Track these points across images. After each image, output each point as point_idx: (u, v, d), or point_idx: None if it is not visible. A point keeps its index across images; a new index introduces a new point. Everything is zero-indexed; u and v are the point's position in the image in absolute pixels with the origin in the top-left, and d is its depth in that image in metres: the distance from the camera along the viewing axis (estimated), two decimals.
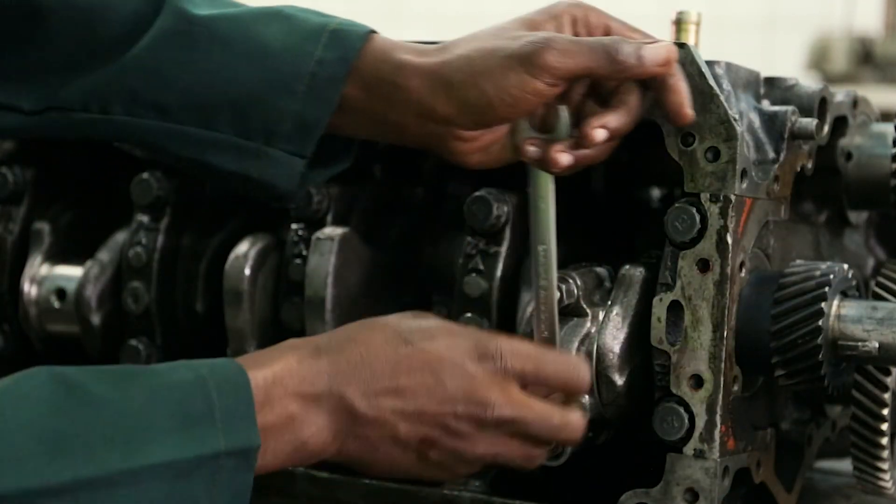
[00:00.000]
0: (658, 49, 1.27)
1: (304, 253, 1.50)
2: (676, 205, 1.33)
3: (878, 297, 1.40)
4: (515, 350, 1.23)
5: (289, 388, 1.16)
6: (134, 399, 1.06)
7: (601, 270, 1.39)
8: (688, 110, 1.29)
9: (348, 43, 1.31)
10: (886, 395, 1.38)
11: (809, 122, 1.40)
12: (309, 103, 1.31)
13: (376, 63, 1.31)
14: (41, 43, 1.33)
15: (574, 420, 1.25)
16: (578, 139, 1.30)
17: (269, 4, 1.39)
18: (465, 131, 1.31)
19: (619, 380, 1.35)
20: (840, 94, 1.53)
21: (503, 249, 1.44)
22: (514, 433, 1.22)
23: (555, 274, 1.33)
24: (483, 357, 1.21)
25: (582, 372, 1.27)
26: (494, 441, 1.22)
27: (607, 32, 1.33)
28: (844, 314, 1.35)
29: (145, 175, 1.60)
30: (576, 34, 1.32)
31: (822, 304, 1.34)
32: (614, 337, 1.35)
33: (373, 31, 1.33)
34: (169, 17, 1.33)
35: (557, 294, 1.33)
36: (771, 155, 1.39)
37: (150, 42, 1.32)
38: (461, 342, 1.21)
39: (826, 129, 1.48)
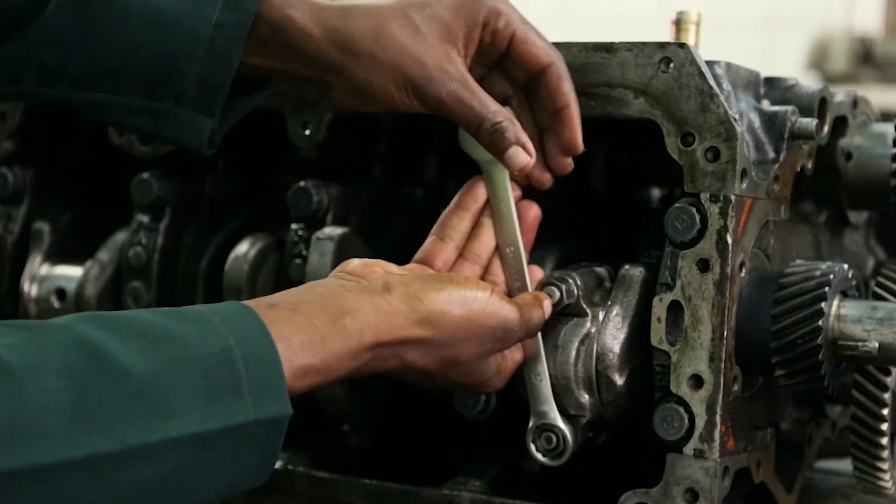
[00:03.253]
0: (519, 155, 1.33)
1: (304, 253, 1.50)
2: (676, 205, 1.33)
3: (878, 297, 1.40)
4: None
5: (317, 350, 1.17)
6: (159, 370, 1.05)
7: (601, 270, 1.39)
8: (578, 144, 1.36)
9: (243, 6, 1.34)
10: (886, 395, 1.38)
11: (809, 122, 1.40)
12: (210, 66, 1.34)
13: (273, 20, 1.34)
14: None
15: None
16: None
17: None
18: (342, 95, 1.36)
19: (619, 380, 1.35)
20: (840, 94, 1.53)
21: None
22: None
23: (527, 273, 1.35)
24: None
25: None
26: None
27: (511, 41, 1.34)
28: (844, 314, 1.35)
29: (145, 175, 1.60)
30: (482, 38, 1.34)
31: (822, 304, 1.34)
32: (614, 337, 1.35)
33: None
34: None
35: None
36: (771, 155, 1.39)
37: (51, 15, 1.35)
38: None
39: (826, 129, 1.48)
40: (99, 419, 1.00)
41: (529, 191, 1.40)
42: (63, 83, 1.37)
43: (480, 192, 1.37)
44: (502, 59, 1.36)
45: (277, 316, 1.14)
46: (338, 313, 1.17)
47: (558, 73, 1.34)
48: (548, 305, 1.32)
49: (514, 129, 1.32)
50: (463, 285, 1.25)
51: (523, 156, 1.32)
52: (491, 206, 1.36)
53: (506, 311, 1.27)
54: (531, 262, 1.39)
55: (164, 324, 1.08)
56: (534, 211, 1.38)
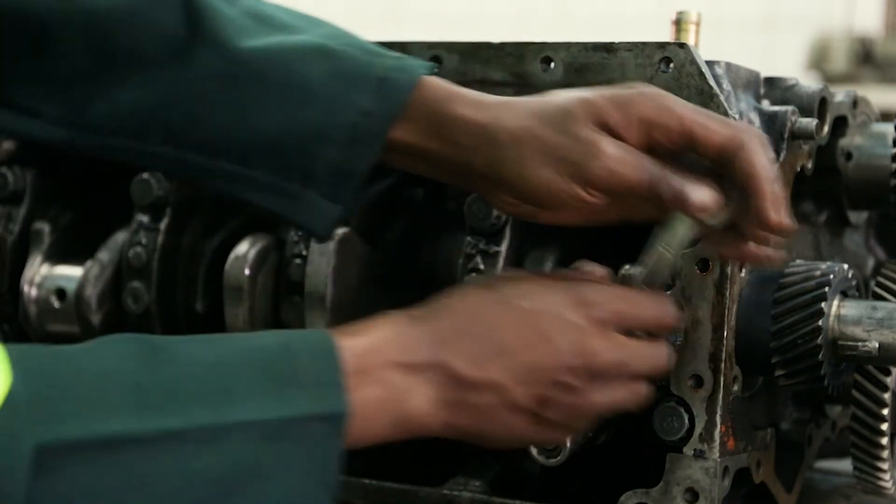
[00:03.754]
0: (701, 194, 1.20)
1: (304, 253, 1.50)
2: None
3: (878, 297, 1.40)
4: (609, 295, 1.23)
5: (387, 357, 1.14)
6: (220, 359, 1.05)
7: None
8: (774, 217, 1.20)
9: (394, 95, 1.26)
10: (886, 395, 1.38)
11: (809, 122, 1.40)
12: (348, 153, 1.26)
13: (426, 109, 1.26)
14: (54, 53, 1.29)
15: (667, 350, 1.26)
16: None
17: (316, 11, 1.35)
18: (510, 197, 1.26)
19: None
20: (840, 94, 1.53)
21: (503, 249, 1.43)
22: (620, 375, 1.21)
23: None
24: (580, 306, 1.20)
25: (671, 308, 1.27)
26: (605, 388, 1.20)
27: (682, 129, 1.21)
28: (844, 314, 1.35)
29: (145, 175, 1.60)
30: (648, 136, 1.21)
31: (822, 304, 1.34)
32: None
33: (422, 75, 1.27)
34: (209, 52, 1.27)
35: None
36: (771, 155, 1.39)
37: (190, 77, 1.27)
38: (556, 295, 1.20)
39: (826, 129, 1.48)
40: (167, 398, 1.01)
41: None
42: (190, 146, 1.29)
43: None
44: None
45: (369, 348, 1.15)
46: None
47: (746, 148, 1.20)
48: None
49: (686, 180, 1.21)
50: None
51: (706, 195, 1.20)
52: (655, 243, 1.27)
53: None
54: (531, 263, 1.39)
55: (218, 334, 1.12)
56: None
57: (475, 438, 1.21)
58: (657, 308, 1.26)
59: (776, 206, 1.20)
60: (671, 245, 1.25)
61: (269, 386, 1.06)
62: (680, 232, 1.24)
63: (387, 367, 1.14)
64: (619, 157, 1.20)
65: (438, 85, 1.27)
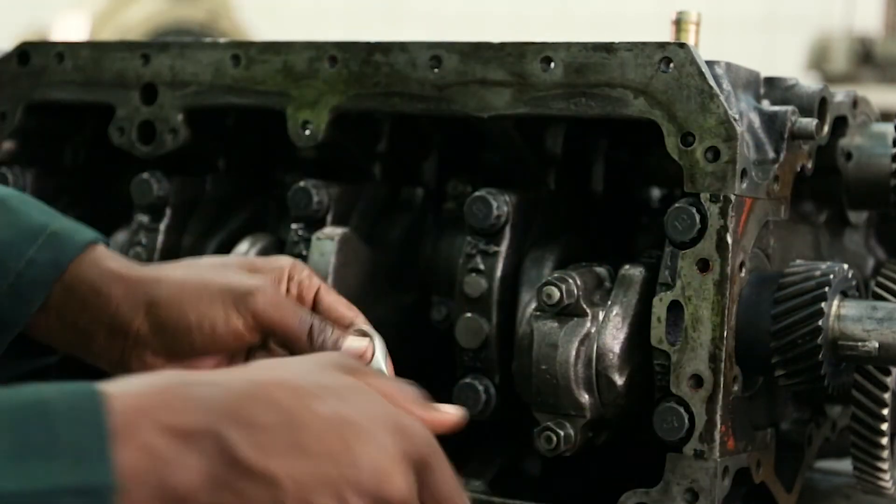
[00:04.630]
0: (355, 343, 1.27)
1: (304, 253, 1.50)
2: (676, 205, 1.33)
3: (878, 297, 1.40)
4: (428, 437, 1.08)
5: (155, 418, 0.95)
6: None
7: (601, 270, 1.39)
8: None
9: (64, 248, 1.29)
10: (886, 395, 1.38)
11: (809, 122, 1.40)
12: (10, 301, 1.28)
13: (85, 267, 1.29)
14: None
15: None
16: None
17: None
18: (154, 357, 1.27)
19: (619, 380, 1.35)
20: (840, 94, 1.53)
21: (503, 249, 1.44)
22: None
23: None
24: (398, 433, 1.04)
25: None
26: None
27: (317, 294, 1.31)
28: (844, 314, 1.35)
29: (145, 175, 1.60)
30: (289, 286, 1.31)
31: (822, 304, 1.34)
32: (614, 337, 1.35)
33: (96, 241, 1.32)
34: None
35: None
36: (771, 155, 1.39)
37: None
38: (377, 409, 1.05)
39: (826, 129, 1.48)
40: None
41: (528, 190, 1.39)
42: None
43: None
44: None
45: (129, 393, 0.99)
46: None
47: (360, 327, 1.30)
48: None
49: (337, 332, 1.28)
50: None
51: (360, 342, 1.27)
52: None
53: None
54: (531, 263, 1.38)
55: None
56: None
57: None
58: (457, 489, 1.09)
59: None
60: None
61: (14, 453, 0.91)
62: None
63: (153, 430, 0.96)
64: (281, 297, 1.28)
65: (107, 251, 1.32)
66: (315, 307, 1.31)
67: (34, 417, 0.92)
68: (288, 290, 1.31)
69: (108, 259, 1.31)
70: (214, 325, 1.26)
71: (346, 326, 1.29)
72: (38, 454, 0.91)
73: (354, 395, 1.04)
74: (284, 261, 1.33)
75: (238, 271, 1.30)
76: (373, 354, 1.27)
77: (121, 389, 0.96)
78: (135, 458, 0.94)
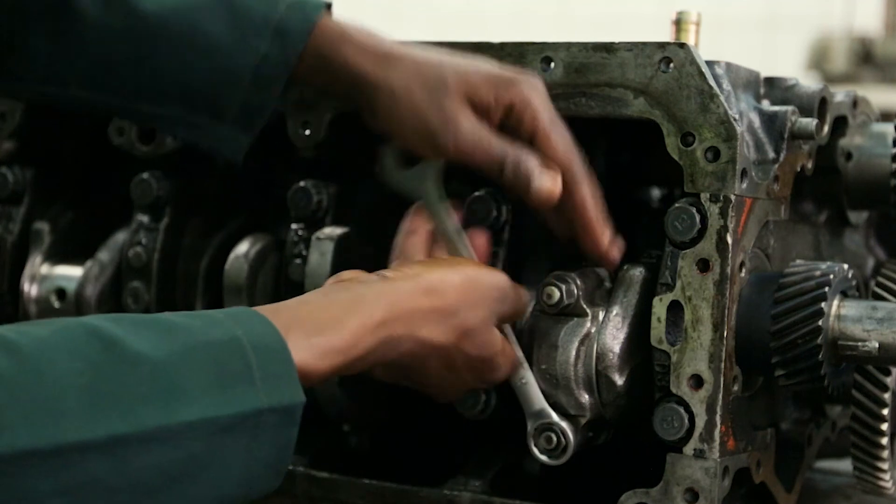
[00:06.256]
0: (543, 182, 1.34)
1: (304, 253, 1.50)
2: (676, 205, 1.33)
3: (878, 297, 1.40)
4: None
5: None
6: (171, 357, 1.05)
7: (601, 270, 1.39)
8: (601, 248, 1.38)
9: (291, 42, 1.38)
10: (886, 395, 1.38)
11: (809, 122, 1.40)
12: (254, 93, 1.40)
13: (321, 51, 1.39)
14: None
15: None
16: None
17: None
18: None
19: (619, 380, 1.35)
20: (840, 94, 1.53)
21: (502, 249, 1.43)
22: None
23: None
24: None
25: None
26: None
27: (533, 131, 1.36)
28: (844, 314, 1.35)
29: (145, 175, 1.60)
30: (503, 118, 1.36)
31: (822, 304, 1.34)
32: (614, 337, 1.35)
33: (320, 17, 1.39)
34: (118, 16, 1.39)
35: None
36: (771, 155, 1.39)
37: (101, 33, 1.39)
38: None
39: (826, 129, 1.48)
40: (116, 401, 1.01)
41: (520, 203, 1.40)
42: (108, 92, 1.42)
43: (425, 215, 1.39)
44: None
45: (285, 307, 1.18)
46: (346, 299, 1.21)
47: (574, 177, 1.36)
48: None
49: (535, 159, 1.34)
50: (453, 261, 1.33)
51: (547, 181, 1.34)
52: (437, 229, 1.38)
53: (496, 275, 1.33)
54: (530, 263, 1.38)
55: (170, 317, 1.10)
56: (482, 237, 1.40)
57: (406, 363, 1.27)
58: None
59: (601, 239, 1.38)
60: (443, 214, 1.38)
61: (219, 383, 1.07)
62: (436, 200, 1.39)
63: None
64: (474, 137, 1.35)
65: (333, 28, 1.40)
66: (531, 140, 1.36)
67: (232, 351, 1.08)
68: (503, 118, 1.36)
69: (339, 43, 1.39)
70: (419, 149, 1.38)
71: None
72: (239, 383, 1.07)
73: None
74: (512, 88, 1.36)
75: (451, 97, 1.36)
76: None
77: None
78: (331, 368, 1.16)
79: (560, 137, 1.36)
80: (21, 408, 0.96)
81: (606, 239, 1.37)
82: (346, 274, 1.29)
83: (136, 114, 1.46)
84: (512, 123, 1.36)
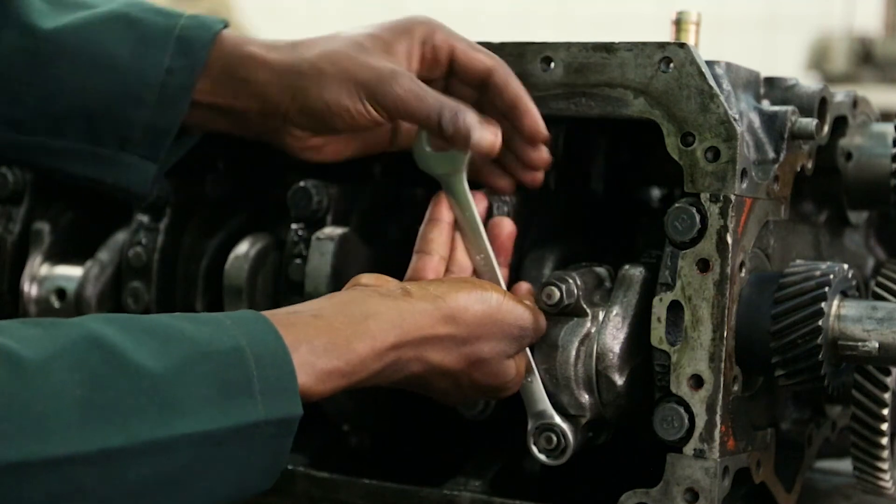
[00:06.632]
0: (485, 133, 1.32)
1: (304, 253, 1.50)
2: (676, 205, 1.33)
3: (878, 297, 1.40)
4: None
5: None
6: (171, 369, 1.05)
7: (601, 270, 1.39)
8: (543, 130, 1.37)
9: (195, 50, 1.35)
10: (886, 395, 1.38)
11: (809, 122, 1.40)
12: (159, 112, 1.35)
13: (226, 58, 1.36)
14: None
15: None
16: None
17: None
18: (303, 133, 1.38)
19: (619, 380, 1.35)
20: (840, 94, 1.53)
21: None
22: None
23: (501, 279, 1.37)
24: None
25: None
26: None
27: (451, 53, 1.37)
28: (844, 314, 1.35)
29: None
30: (422, 54, 1.37)
31: (822, 304, 1.34)
32: (614, 337, 1.35)
33: (221, 29, 1.37)
34: (14, 32, 1.35)
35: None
36: (771, 155, 1.39)
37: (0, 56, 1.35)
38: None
39: (826, 129, 1.48)
40: (111, 414, 1.01)
41: (528, 191, 1.40)
42: (5, 127, 1.37)
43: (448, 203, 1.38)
44: (448, 78, 1.39)
45: (298, 320, 1.15)
46: (360, 316, 1.18)
47: (504, 72, 1.36)
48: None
49: (473, 113, 1.33)
50: (480, 286, 1.28)
51: (489, 134, 1.33)
52: (457, 219, 1.38)
53: (521, 311, 1.29)
54: (530, 263, 1.38)
55: (176, 324, 1.09)
56: (507, 228, 1.39)
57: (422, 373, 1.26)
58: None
59: (540, 120, 1.36)
60: (464, 204, 1.36)
61: (218, 395, 1.06)
62: (462, 192, 1.36)
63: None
64: (412, 86, 1.32)
65: (236, 36, 1.38)
66: (452, 66, 1.38)
67: (232, 363, 1.07)
68: (422, 55, 1.37)
69: (243, 45, 1.37)
70: (352, 113, 1.34)
71: (484, 76, 1.36)
72: (238, 395, 1.07)
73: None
74: (417, 26, 1.37)
75: (373, 53, 1.35)
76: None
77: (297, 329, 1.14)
78: (332, 390, 1.16)
79: (476, 50, 1.37)
80: (14, 420, 0.96)
81: (541, 122, 1.37)
82: (366, 278, 1.28)
83: (31, 148, 1.38)
84: (429, 55, 1.37)
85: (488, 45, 1.43)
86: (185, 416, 1.04)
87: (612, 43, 1.37)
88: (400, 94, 1.32)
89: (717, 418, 1.31)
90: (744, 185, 1.33)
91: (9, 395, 0.97)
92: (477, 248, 1.37)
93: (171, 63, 1.35)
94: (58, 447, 0.98)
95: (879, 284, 1.42)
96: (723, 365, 1.31)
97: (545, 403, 1.35)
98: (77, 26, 1.35)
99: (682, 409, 1.32)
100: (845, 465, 1.53)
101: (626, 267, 1.38)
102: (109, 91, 1.35)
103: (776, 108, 1.41)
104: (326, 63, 1.34)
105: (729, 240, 1.31)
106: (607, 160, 1.57)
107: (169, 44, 1.35)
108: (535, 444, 1.35)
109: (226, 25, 1.38)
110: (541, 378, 1.35)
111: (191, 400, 1.05)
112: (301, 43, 1.37)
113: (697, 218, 1.32)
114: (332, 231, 1.49)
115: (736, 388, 1.34)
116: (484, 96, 1.38)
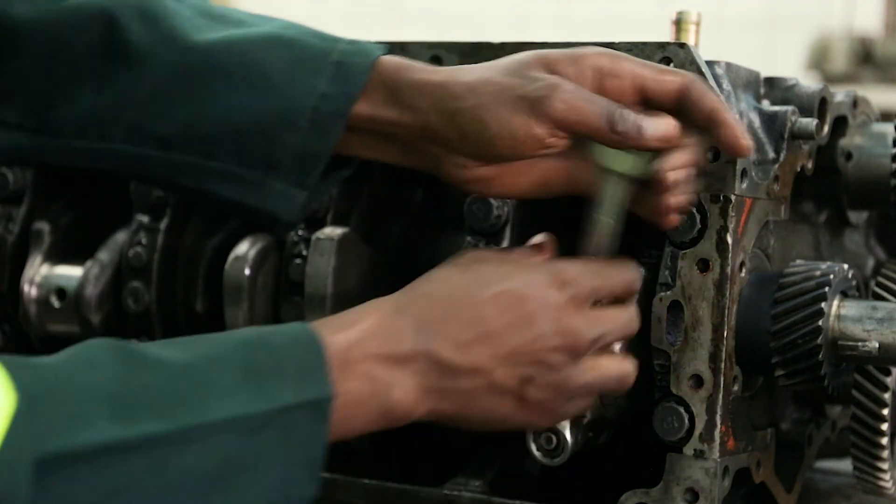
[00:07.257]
0: (658, 124, 1.23)
1: (304, 253, 1.50)
2: None
3: (878, 297, 1.40)
4: (582, 270, 1.24)
5: (370, 350, 1.15)
6: (196, 359, 1.05)
7: None
8: (743, 141, 1.26)
9: (353, 76, 1.28)
10: (886, 395, 1.38)
11: (809, 122, 1.40)
12: (311, 137, 1.28)
13: (383, 83, 1.28)
14: (17, 59, 1.31)
15: (636, 312, 1.27)
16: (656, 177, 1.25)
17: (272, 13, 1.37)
18: (467, 160, 1.28)
19: None
20: (840, 94, 1.53)
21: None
22: (602, 350, 1.24)
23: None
24: (558, 285, 1.21)
25: (636, 273, 1.29)
26: (588, 367, 1.22)
27: (638, 82, 1.25)
28: (844, 314, 1.35)
29: None
30: (601, 85, 1.24)
31: (822, 304, 1.34)
32: None
33: (379, 55, 1.30)
34: (167, 49, 1.29)
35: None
36: (771, 155, 1.39)
37: (150, 74, 1.29)
38: (537, 276, 1.22)
39: (826, 129, 1.48)
40: (147, 403, 1.01)
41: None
42: (154, 144, 1.30)
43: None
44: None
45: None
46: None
47: (699, 87, 1.25)
48: None
49: (640, 114, 1.23)
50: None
51: (661, 123, 1.23)
52: (594, 217, 1.29)
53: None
54: None
55: (195, 337, 1.10)
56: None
57: (460, 422, 1.22)
58: (625, 276, 1.27)
59: (740, 131, 1.25)
60: (609, 212, 1.27)
61: (248, 380, 1.06)
62: (614, 197, 1.26)
63: (370, 361, 1.15)
64: (578, 93, 1.22)
65: (393, 60, 1.30)
66: (641, 95, 1.25)
67: (259, 348, 1.08)
68: (601, 87, 1.24)
69: (401, 70, 1.29)
70: (514, 135, 1.23)
71: (680, 97, 1.24)
72: (267, 379, 1.07)
73: (514, 271, 1.22)
74: (588, 55, 1.25)
75: (532, 73, 1.24)
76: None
77: (337, 327, 1.15)
78: (357, 386, 1.13)
79: (663, 72, 1.26)
80: (47, 417, 0.96)
81: (740, 134, 1.26)
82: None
83: (181, 168, 1.31)
84: (608, 87, 1.24)
85: (488, 45, 1.43)
86: (220, 401, 1.04)
87: (612, 43, 1.37)
88: (566, 99, 1.21)
89: (717, 418, 1.31)
90: (744, 186, 1.33)
91: (36, 398, 0.96)
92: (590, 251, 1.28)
93: (327, 88, 1.28)
94: (98, 436, 0.97)
95: (879, 284, 1.42)
96: (723, 365, 1.31)
97: None
98: (231, 42, 1.30)
99: (682, 409, 1.32)
100: (845, 465, 1.53)
101: None
102: (261, 112, 1.28)
103: (776, 108, 1.42)
104: (483, 84, 1.24)
105: (729, 240, 1.31)
106: None
107: (326, 68, 1.28)
108: (534, 444, 1.35)
109: (386, 52, 1.32)
110: None
111: (222, 385, 1.05)
112: (459, 68, 1.29)
113: (697, 218, 1.32)
114: (332, 231, 1.49)
115: (736, 388, 1.34)
116: (678, 116, 1.26)
